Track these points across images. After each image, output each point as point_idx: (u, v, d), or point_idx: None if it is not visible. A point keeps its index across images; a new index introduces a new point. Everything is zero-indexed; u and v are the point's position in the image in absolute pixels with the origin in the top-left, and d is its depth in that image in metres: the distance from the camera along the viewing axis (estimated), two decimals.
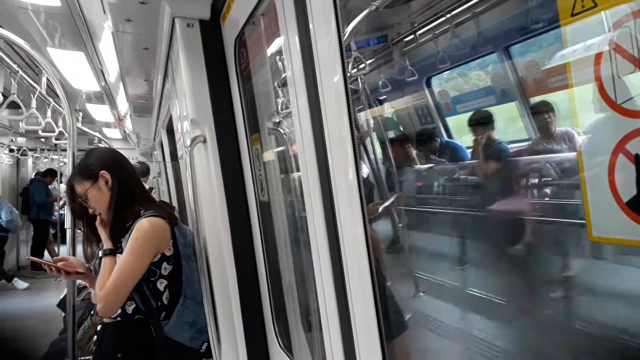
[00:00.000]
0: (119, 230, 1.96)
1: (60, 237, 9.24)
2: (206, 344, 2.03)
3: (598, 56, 0.55)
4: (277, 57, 1.77)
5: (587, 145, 0.59)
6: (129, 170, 2.10)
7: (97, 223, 2.02)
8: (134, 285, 1.87)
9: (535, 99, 3.13)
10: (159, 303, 1.94)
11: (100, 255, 1.97)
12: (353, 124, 1.11)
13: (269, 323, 1.96)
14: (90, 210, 2.03)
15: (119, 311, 1.91)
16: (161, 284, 1.94)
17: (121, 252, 1.92)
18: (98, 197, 1.98)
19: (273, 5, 1.36)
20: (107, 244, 1.96)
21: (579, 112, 0.60)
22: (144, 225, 1.89)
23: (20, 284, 7.54)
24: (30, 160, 9.85)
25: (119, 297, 1.85)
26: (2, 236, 5.27)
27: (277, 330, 1.92)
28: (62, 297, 3.23)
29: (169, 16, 2.03)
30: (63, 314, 3.01)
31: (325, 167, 1.19)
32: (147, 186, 6.60)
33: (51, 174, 9.16)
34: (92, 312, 3.01)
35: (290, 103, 1.34)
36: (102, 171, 1.98)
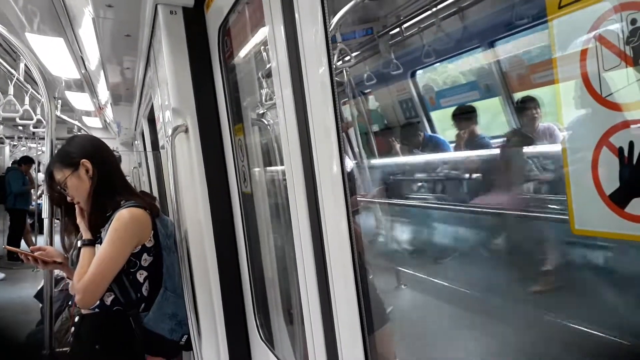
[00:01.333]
0: (99, 220, 1.93)
1: (38, 227, 9.10)
2: (186, 336, 2.01)
3: (584, 50, 0.55)
4: (262, 47, 1.75)
5: (571, 139, 0.59)
6: (111, 159, 2.07)
7: (77, 213, 1.98)
8: (113, 277, 1.84)
9: (519, 94, 3.17)
10: (139, 294, 1.91)
11: (79, 245, 1.93)
12: (338, 116, 1.11)
13: (250, 315, 1.96)
14: (68, 199, 1.99)
15: (97, 302, 1.88)
16: (141, 275, 1.92)
17: (100, 243, 1.89)
18: (78, 185, 1.94)
19: None
20: (86, 234, 1.93)
21: (564, 106, 0.60)
22: (124, 215, 1.86)
23: None
24: (7, 149, 9.65)
25: (98, 288, 1.82)
26: None
27: (258, 322, 1.92)
28: (39, 288, 3.18)
29: (151, 2, 1.99)
30: (40, 305, 2.97)
31: (310, 159, 1.19)
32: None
33: (27, 162, 8.99)
34: (70, 303, 2.98)
35: (275, 94, 1.33)
36: (83, 159, 1.94)
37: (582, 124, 0.58)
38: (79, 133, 7.75)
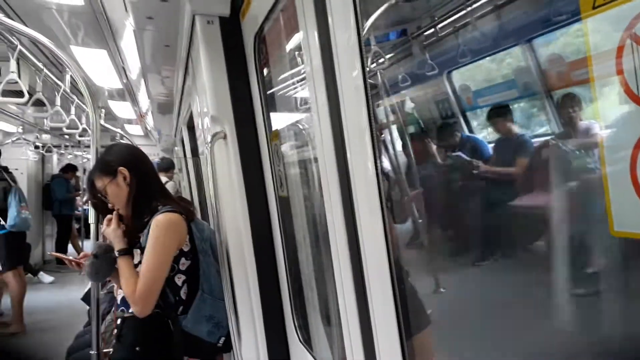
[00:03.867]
0: (138, 225, 1.99)
1: (85, 232, 9.40)
2: (223, 338, 2.05)
3: (620, 49, 0.54)
4: (297, 53, 1.77)
5: (610, 139, 0.58)
6: (148, 166, 2.13)
7: (112, 220, 2.01)
8: (163, 282, 1.90)
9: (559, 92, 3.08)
10: (177, 297, 1.96)
11: (115, 255, 1.97)
12: (372, 119, 1.11)
13: (288, 317, 1.98)
14: (109, 205, 2.06)
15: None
16: (179, 279, 1.96)
17: (139, 247, 1.95)
18: (117, 192, 2.01)
19: (292, 1, 1.37)
20: (120, 243, 1.97)
21: (602, 106, 0.59)
22: (161, 221, 1.91)
23: (46, 277, 7.70)
24: (55, 157, 10.02)
25: (153, 296, 1.87)
26: (15, 233, 5.34)
27: (296, 324, 1.93)
28: (86, 290, 3.30)
29: (189, 13, 2.05)
30: (87, 307, 3.07)
31: (344, 163, 1.20)
32: (172, 181, 6.67)
33: (71, 169, 9.28)
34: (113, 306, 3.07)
35: (310, 98, 1.35)
36: (121, 167, 2.01)
37: (620, 123, 0.57)
38: (120, 141, 7.99)
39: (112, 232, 1.99)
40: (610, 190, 0.57)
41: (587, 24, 0.57)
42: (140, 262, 1.95)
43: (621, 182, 0.55)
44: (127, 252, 1.96)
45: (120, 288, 1.98)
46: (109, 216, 2.03)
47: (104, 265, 2.01)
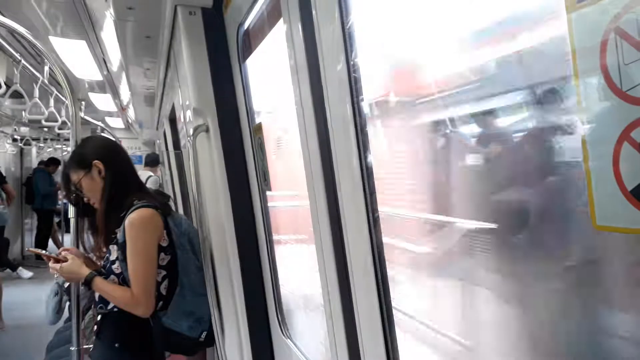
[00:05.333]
0: (113, 220, 1.96)
1: (65, 226, 9.28)
2: (205, 332, 2.04)
3: (604, 43, 0.54)
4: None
5: (592, 134, 0.58)
6: (124, 160, 2.10)
7: (58, 261, 1.98)
8: (156, 278, 1.90)
9: None
10: (157, 293, 1.94)
11: (83, 283, 1.93)
12: (357, 113, 1.11)
13: (272, 312, 1.97)
14: (85, 199, 2.03)
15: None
16: (159, 274, 1.94)
17: (116, 243, 1.92)
18: (91, 186, 1.98)
19: None
20: (84, 272, 1.93)
21: (584, 100, 0.59)
22: (136, 219, 1.88)
23: (25, 273, 7.59)
24: (34, 150, 9.85)
25: (151, 294, 1.87)
26: None
27: (280, 319, 1.93)
28: (66, 286, 3.25)
29: (171, 3, 2.02)
30: (68, 302, 3.03)
31: (329, 158, 1.19)
32: (156, 175, 6.60)
33: (54, 162, 9.16)
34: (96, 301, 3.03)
35: (293, 92, 1.34)
36: (96, 160, 1.98)
37: (602, 118, 0.57)
38: (102, 134, 7.88)
39: (69, 267, 1.95)
40: (592, 185, 0.57)
41: (572, 18, 0.57)
42: (117, 259, 1.92)
43: (603, 176, 0.55)
44: (98, 273, 1.93)
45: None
46: (52, 264, 1.99)
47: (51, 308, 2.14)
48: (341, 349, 1.24)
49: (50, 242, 9.08)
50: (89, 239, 2.20)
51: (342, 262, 1.20)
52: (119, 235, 1.90)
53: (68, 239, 2.81)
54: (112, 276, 1.93)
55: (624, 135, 0.52)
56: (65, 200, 8.70)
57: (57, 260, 2.04)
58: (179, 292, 1.98)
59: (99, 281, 1.91)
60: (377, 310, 1.09)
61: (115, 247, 1.93)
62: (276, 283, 1.96)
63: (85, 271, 1.93)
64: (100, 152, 2.02)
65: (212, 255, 2.00)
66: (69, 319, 3.46)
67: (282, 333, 1.89)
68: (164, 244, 1.95)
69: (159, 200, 2.03)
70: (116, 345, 1.94)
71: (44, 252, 2.17)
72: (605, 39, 0.54)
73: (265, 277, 2.01)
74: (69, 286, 2.34)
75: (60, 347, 2.98)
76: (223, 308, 2.00)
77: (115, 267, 1.93)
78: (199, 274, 2.04)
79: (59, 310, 2.21)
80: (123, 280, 1.90)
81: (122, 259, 1.90)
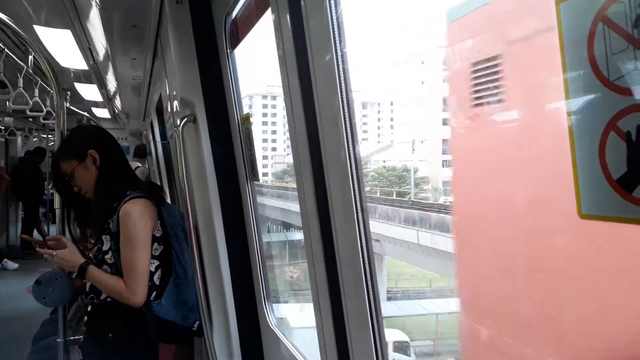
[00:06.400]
0: (106, 210, 1.95)
1: (51, 217, 9.18)
2: (198, 322, 2.04)
3: (592, 33, 0.55)
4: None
5: (579, 123, 0.59)
6: (117, 149, 2.08)
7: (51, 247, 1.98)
8: (149, 267, 1.89)
9: None
10: (150, 283, 1.94)
11: (77, 271, 1.92)
12: (346, 104, 1.11)
13: (260, 301, 1.97)
14: (75, 189, 2.00)
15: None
16: (152, 265, 1.94)
17: (109, 233, 1.91)
18: (85, 176, 1.95)
19: None
20: (79, 259, 1.93)
21: (571, 90, 0.59)
22: (130, 209, 1.87)
23: (10, 264, 7.50)
24: (19, 140, 9.71)
25: (144, 284, 1.86)
26: None
27: (268, 309, 1.94)
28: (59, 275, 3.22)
29: None
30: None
31: (317, 149, 1.19)
32: (144, 167, 6.55)
33: (41, 153, 9.04)
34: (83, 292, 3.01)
35: (282, 83, 1.33)
36: (91, 149, 1.95)
37: (589, 108, 0.58)
38: (88, 123, 7.79)
39: (64, 254, 1.95)
40: (579, 175, 0.58)
41: (560, 8, 0.58)
42: (110, 249, 1.91)
43: (590, 166, 0.56)
44: (87, 264, 1.91)
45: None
46: (46, 250, 1.98)
47: (56, 292, 2.05)
48: (330, 344, 1.25)
49: (35, 232, 8.99)
50: (75, 229, 2.18)
51: (330, 256, 1.20)
52: (112, 226, 1.89)
53: (54, 230, 2.78)
54: (105, 266, 1.92)
55: (611, 124, 0.52)
56: (51, 191, 8.64)
57: (49, 247, 2.02)
58: (173, 281, 1.98)
59: (93, 270, 1.90)
60: (365, 303, 1.10)
61: (108, 237, 1.92)
62: (264, 272, 1.96)
63: (81, 259, 1.92)
64: (94, 141, 2.00)
65: (200, 244, 2.00)
66: (54, 311, 3.43)
67: (270, 322, 1.90)
68: (158, 234, 1.94)
69: (152, 192, 2.02)
70: (110, 335, 1.92)
71: (36, 239, 2.14)
72: (594, 30, 0.54)
73: (253, 267, 2.01)
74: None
75: (47, 339, 2.96)
76: (211, 298, 2.00)
77: (108, 257, 1.92)
78: (191, 264, 2.04)
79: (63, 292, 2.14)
80: (116, 271, 1.90)
81: (115, 249, 1.89)
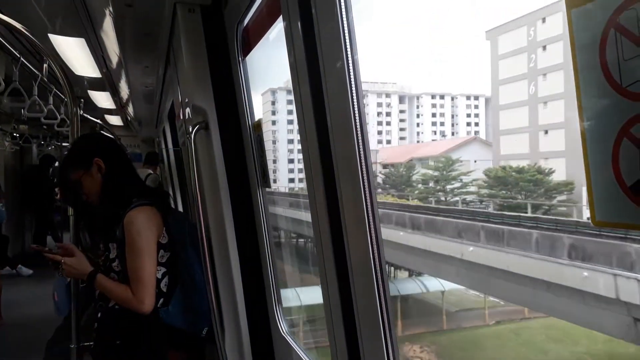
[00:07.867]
0: (112, 219, 1.96)
1: (63, 224, 9.24)
2: (206, 328, 2.04)
3: (603, 40, 0.54)
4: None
5: (592, 131, 0.59)
6: (123, 157, 2.09)
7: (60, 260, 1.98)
8: (155, 274, 1.90)
9: None
10: (158, 290, 1.94)
11: (86, 279, 1.94)
12: (358, 112, 1.10)
13: (272, 309, 1.97)
14: (83, 197, 2.02)
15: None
16: (159, 272, 1.94)
17: (115, 241, 1.92)
18: (92, 184, 1.97)
19: None
20: (87, 268, 1.94)
21: (584, 97, 0.59)
22: (135, 217, 1.88)
23: (25, 270, 7.56)
24: (34, 148, 9.81)
25: (151, 291, 1.87)
26: None
27: (279, 316, 1.93)
28: (66, 283, 3.25)
29: (170, 1, 2.01)
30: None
31: (329, 157, 1.19)
32: (156, 173, 6.60)
33: (51, 160, 9.12)
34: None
35: (293, 90, 1.33)
36: (96, 158, 1.97)
37: (602, 115, 0.57)
38: (101, 132, 7.86)
39: (72, 262, 1.95)
40: (592, 182, 0.57)
41: (572, 14, 0.58)
42: (117, 257, 1.92)
43: (603, 173, 0.56)
44: (98, 270, 1.93)
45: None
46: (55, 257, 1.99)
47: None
48: (340, 343, 1.25)
49: (50, 239, 9.06)
50: (85, 237, 2.19)
51: (341, 257, 1.20)
52: (118, 233, 1.90)
53: (67, 237, 2.80)
54: (112, 274, 1.93)
55: (624, 131, 0.52)
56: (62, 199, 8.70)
57: (56, 262, 2.03)
58: (180, 288, 1.98)
59: (101, 278, 1.91)
60: (376, 304, 1.10)
61: (114, 245, 1.93)
62: (276, 279, 1.96)
63: (89, 267, 1.93)
64: (100, 149, 2.01)
65: (211, 251, 2.00)
66: (68, 316, 3.46)
67: (281, 329, 1.90)
68: (164, 241, 1.95)
69: (158, 198, 2.02)
70: (117, 342, 1.93)
71: (45, 248, 2.16)
72: (605, 36, 0.54)
73: (264, 274, 2.01)
74: (68, 283, 2.34)
75: (60, 345, 2.98)
76: (223, 304, 2.00)
77: (115, 264, 1.93)
78: (199, 271, 2.04)
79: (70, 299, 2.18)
80: (123, 278, 1.90)
81: (121, 256, 1.90)
